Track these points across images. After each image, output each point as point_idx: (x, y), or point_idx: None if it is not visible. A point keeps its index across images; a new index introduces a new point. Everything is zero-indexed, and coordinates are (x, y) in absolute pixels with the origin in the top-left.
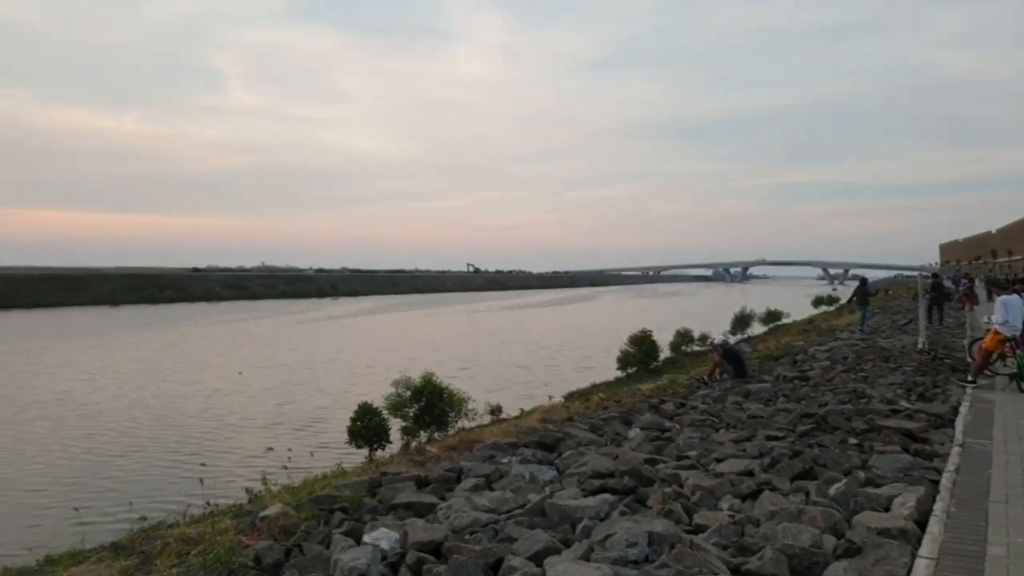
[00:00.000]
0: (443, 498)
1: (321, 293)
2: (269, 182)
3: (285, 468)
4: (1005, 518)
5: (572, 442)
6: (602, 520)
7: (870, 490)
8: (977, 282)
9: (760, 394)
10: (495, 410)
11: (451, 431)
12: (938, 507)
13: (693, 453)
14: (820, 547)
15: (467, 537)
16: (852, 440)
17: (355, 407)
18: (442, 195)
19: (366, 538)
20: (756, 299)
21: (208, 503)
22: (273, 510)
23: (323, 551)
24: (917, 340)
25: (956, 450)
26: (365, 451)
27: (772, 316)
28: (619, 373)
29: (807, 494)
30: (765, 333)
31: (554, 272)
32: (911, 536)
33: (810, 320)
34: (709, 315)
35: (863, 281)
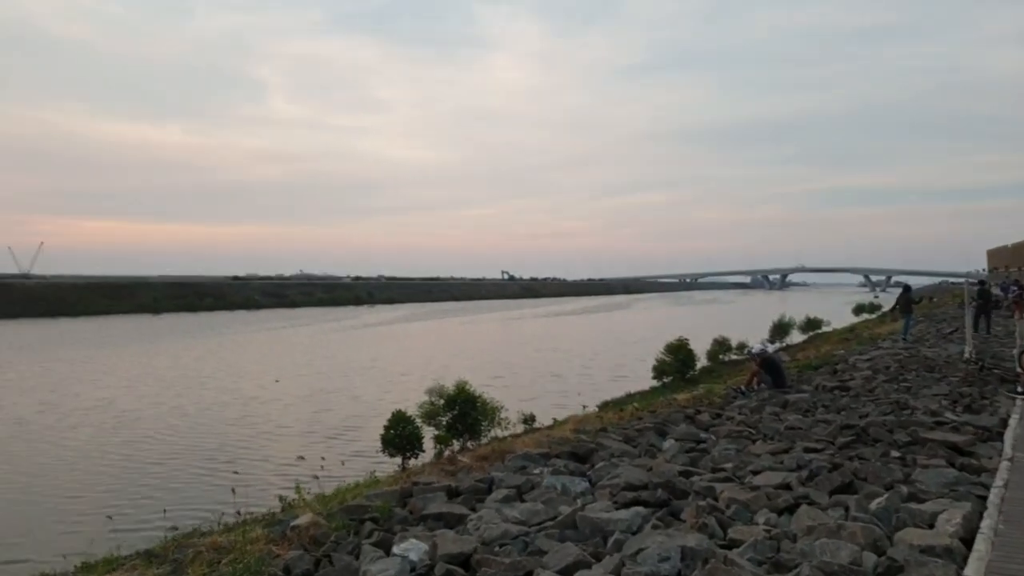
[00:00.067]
0: (473, 509)
1: (358, 301)
2: (308, 191)
3: (316, 477)
4: None
5: (605, 453)
6: (634, 534)
7: (913, 506)
8: None
9: (799, 404)
10: (528, 419)
11: (484, 440)
12: (985, 524)
13: (729, 465)
14: (860, 565)
15: (496, 549)
16: (894, 453)
17: (389, 415)
18: (478, 203)
19: (395, 549)
20: (795, 307)
21: (239, 512)
22: (304, 519)
23: (352, 562)
24: (963, 349)
25: (1005, 464)
26: (398, 460)
27: (812, 324)
28: (654, 382)
29: (847, 509)
30: (804, 342)
31: (589, 279)
32: (956, 555)
33: (851, 328)
34: (747, 323)
35: (906, 288)
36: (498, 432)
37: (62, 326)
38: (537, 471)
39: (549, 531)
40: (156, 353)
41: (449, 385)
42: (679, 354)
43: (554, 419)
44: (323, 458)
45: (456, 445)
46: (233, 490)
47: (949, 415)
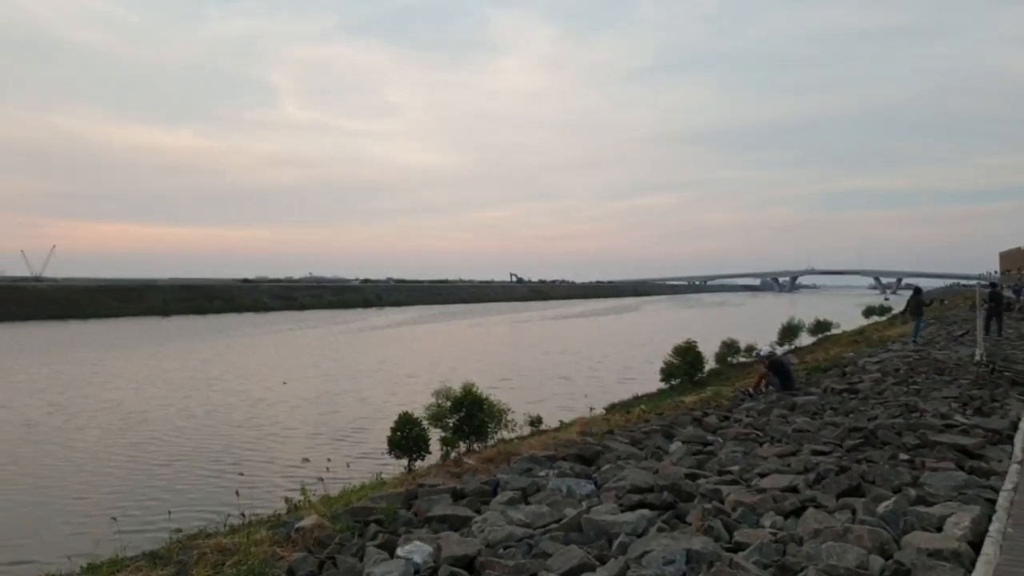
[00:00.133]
0: (478, 511)
1: (366, 303)
2: (318, 194)
3: (321, 480)
4: None
5: (611, 455)
6: (639, 536)
7: (921, 509)
8: None
9: (807, 407)
10: (535, 421)
11: (491, 442)
12: (994, 528)
13: (735, 468)
14: (867, 568)
15: (501, 552)
16: (903, 456)
17: (396, 417)
18: (487, 205)
19: (399, 551)
20: (804, 309)
21: (243, 514)
22: (308, 521)
23: (356, 564)
24: (974, 352)
25: (1015, 468)
26: (405, 461)
27: (821, 327)
28: (662, 385)
29: (854, 512)
30: (813, 344)
31: (598, 282)
32: (964, 558)
33: (860, 331)
34: (756, 326)
35: (917, 290)
36: (505, 434)
37: (73, 328)
38: (543, 473)
39: (554, 533)
40: (164, 355)
41: (456, 387)
42: (687, 356)
43: (561, 421)
44: (329, 459)
45: (463, 447)
46: (237, 492)
47: (959, 418)
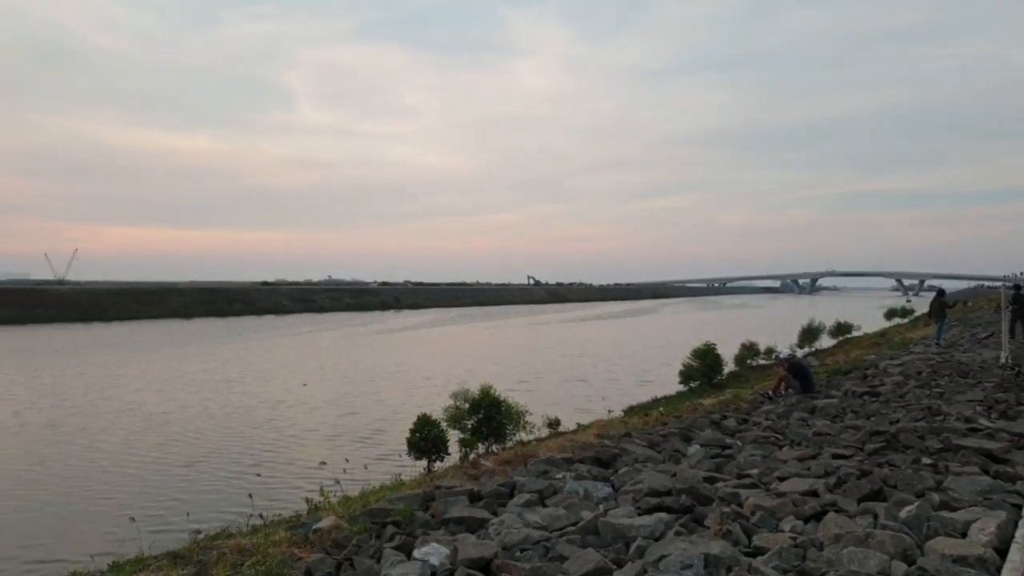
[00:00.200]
0: (495, 513)
1: (384, 306)
2: (336, 197)
3: (337, 482)
4: None
5: (629, 458)
6: (657, 540)
7: (945, 514)
8: None
9: (827, 410)
10: (553, 423)
11: (509, 444)
12: (1020, 533)
13: (754, 471)
14: (889, 574)
15: (517, 555)
16: (926, 460)
17: (414, 419)
18: (504, 208)
19: (416, 553)
20: (825, 311)
21: (262, 515)
22: (326, 523)
23: (373, 565)
24: (999, 355)
25: None
26: (424, 463)
27: (842, 329)
28: (681, 387)
29: (875, 517)
30: (834, 346)
31: (616, 284)
32: (990, 564)
33: (882, 333)
34: (776, 328)
35: (940, 292)
36: (523, 436)
37: (95, 331)
38: (560, 476)
39: (571, 537)
40: (185, 357)
41: (474, 389)
42: (706, 359)
43: (578, 423)
44: (347, 460)
45: (481, 448)
46: (250, 495)
47: (983, 421)
